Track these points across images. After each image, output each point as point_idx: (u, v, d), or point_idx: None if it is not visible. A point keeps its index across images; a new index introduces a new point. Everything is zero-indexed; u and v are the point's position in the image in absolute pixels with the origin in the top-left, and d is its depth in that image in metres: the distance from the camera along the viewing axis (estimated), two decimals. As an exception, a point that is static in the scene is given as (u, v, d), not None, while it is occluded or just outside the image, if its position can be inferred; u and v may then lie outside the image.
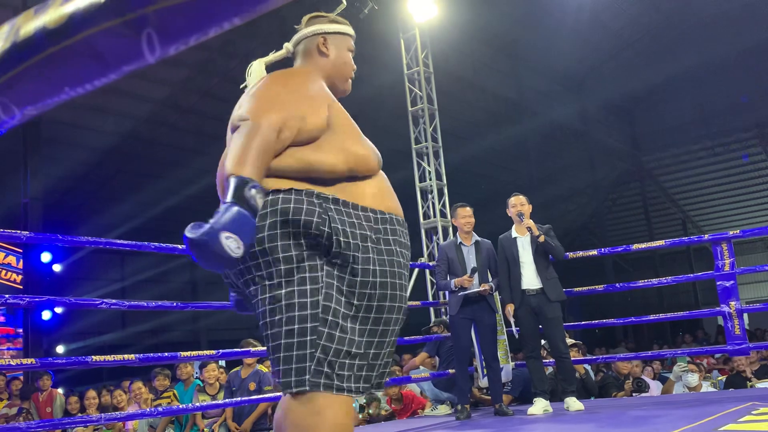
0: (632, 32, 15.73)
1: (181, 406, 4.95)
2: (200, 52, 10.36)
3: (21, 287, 10.48)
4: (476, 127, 14.64)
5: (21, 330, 10.77)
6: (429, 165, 8.42)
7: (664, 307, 18.51)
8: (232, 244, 1.23)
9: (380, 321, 1.51)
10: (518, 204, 4.95)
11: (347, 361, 1.45)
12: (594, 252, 5.81)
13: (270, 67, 1.78)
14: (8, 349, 10.97)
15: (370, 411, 5.59)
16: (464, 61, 13.12)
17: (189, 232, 1.25)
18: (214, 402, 5.26)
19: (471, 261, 4.94)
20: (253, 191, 1.31)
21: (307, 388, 1.41)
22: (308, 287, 1.45)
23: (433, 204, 8.29)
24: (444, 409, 5.44)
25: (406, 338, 5.71)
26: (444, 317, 6.26)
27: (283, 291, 1.46)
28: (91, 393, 6.37)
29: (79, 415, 5.95)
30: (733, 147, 18.18)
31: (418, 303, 6.14)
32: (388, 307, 1.52)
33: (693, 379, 5.62)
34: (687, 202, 21.00)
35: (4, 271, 10.98)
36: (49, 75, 0.84)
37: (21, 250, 10.67)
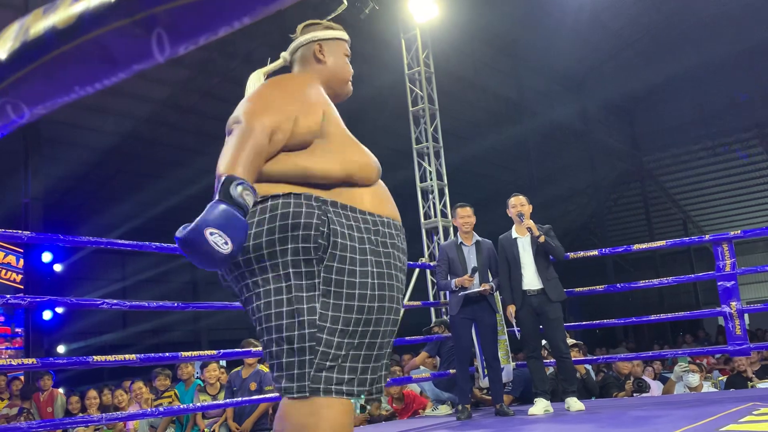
0: (632, 32, 15.73)
1: (181, 406, 4.95)
2: (200, 51, 10.35)
3: (21, 286, 10.48)
4: (477, 127, 14.65)
5: (18, 329, 10.78)
6: (430, 165, 8.42)
7: (665, 308, 18.50)
8: (218, 240, 1.23)
9: (376, 322, 1.51)
10: (518, 204, 4.95)
11: (347, 365, 1.46)
12: (595, 252, 5.81)
13: (268, 77, 1.80)
14: (6, 348, 10.97)
15: (371, 410, 5.59)
16: (465, 61, 13.13)
17: (178, 232, 1.26)
18: (214, 402, 5.26)
19: (471, 261, 4.94)
20: (240, 188, 1.30)
21: (308, 393, 1.42)
22: (305, 294, 1.45)
23: (434, 204, 8.30)
24: (445, 410, 5.44)
25: (407, 338, 5.71)
26: (445, 317, 6.26)
27: (284, 297, 1.46)
28: (92, 393, 6.36)
29: (80, 415, 5.95)
30: (734, 147, 18.19)
31: (418, 303, 6.14)
32: (387, 308, 1.53)
33: (694, 379, 5.63)
34: (688, 202, 21.01)
35: (3, 271, 10.98)
36: (58, 74, 0.84)
37: (21, 250, 10.67)
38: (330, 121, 1.62)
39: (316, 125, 1.56)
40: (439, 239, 8.10)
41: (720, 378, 6.76)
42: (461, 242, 5.03)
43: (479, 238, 5.08)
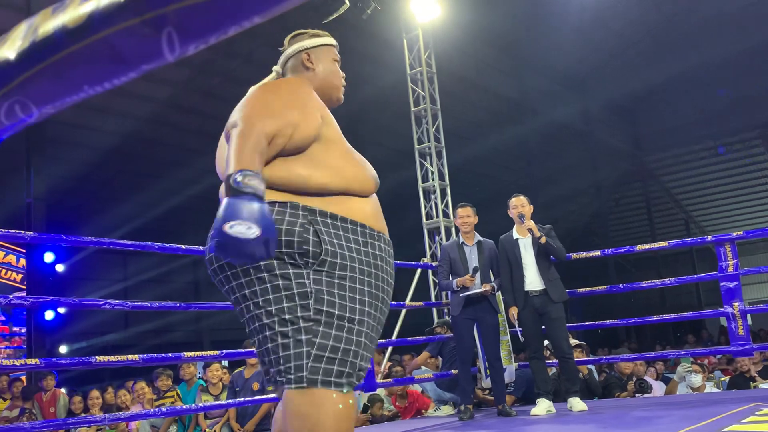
0: (634, 32, 15.72)
1: (184, 407, 4.95)
2: (201, 52, 10.29)
3: (21, 286, 10.49)
4: (479, 127, 14.65)
5: (17, 329, 10.79)
6: (432, 165, 8.42)
7: (667, 308, 18.49)
8: (241, 229, 1.24)
9: (362, 333, 1.54)
10: (519, 205, 4.93)
11: (349, 359, 1.51)
12: (597, 253, 5.80)
13: None
14: (5, 348, 10.97)
15: (373, 410, 5.59)
16: (467, 61, 13.13)
17: (208, 249, 1.32)
18: (217, 402, 5.27)
19: (473, 261, 4.94)
20: (240, 176, 1.31)
21: (305, 384, 1.46)
22: (295, 291, 1.49)
23: (436, 204, 8.29)
24: (447, 410, 5.44)
25: (409, 339, 5.71)
26: (447, 318, 6.25)
27: (272, 296, 1.50)
28: (95, 393, 6.37)
29: (83, 415, 5.96)
30: (736, 147, 18.16)
31: (420, 304, 6.14)
32: (373, 321, 1.57)
33: (696, 379, 5.62)
34: (690, 203, 20.98)
35: (4, 270, 10.99)
36: (68, 74, 0.85)
37: (22, 250, 10.68)
38: (328, 125, 1.65)
39: (315, 130, 1.59)
40: (441, 239, 8.09)
41: (723, 378, 6.75)
42: (463, 242, 5.03)
43: (481, 238, 5.07)
